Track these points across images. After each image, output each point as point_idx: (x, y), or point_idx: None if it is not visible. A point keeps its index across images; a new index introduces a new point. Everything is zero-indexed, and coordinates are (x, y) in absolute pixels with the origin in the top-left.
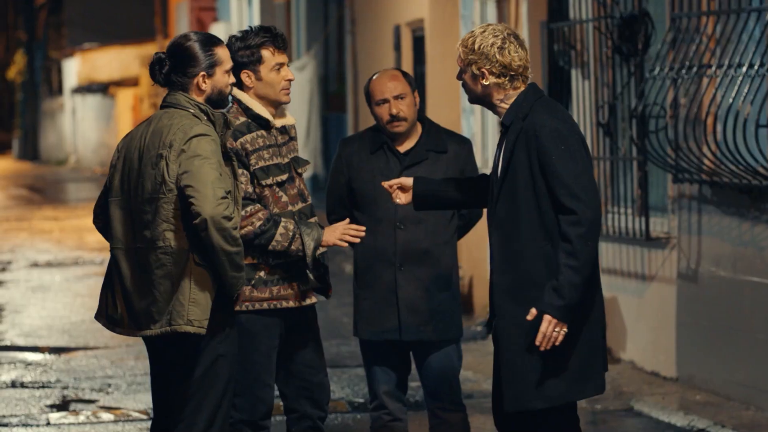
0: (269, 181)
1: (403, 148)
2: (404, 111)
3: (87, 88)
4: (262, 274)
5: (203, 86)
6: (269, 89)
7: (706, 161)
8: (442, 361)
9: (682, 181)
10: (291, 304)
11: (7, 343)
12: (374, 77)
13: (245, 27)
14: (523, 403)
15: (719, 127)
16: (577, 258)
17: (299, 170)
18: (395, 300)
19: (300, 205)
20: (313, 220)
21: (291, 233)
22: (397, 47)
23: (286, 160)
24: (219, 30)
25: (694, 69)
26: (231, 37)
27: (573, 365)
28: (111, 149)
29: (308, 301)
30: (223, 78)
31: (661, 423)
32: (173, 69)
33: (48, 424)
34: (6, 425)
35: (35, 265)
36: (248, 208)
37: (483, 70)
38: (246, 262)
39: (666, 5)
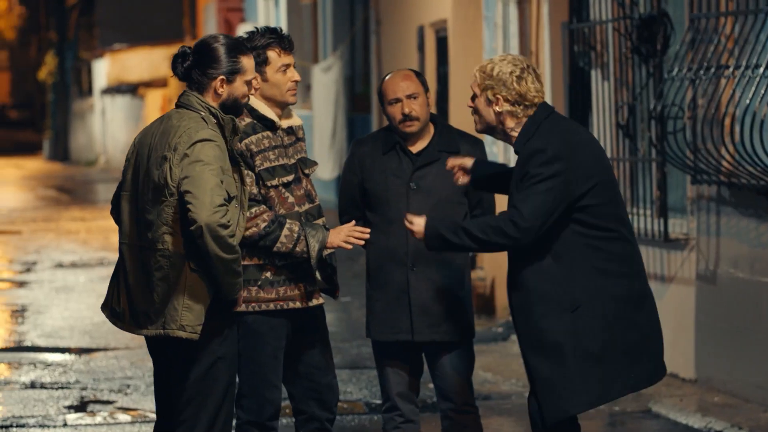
0: (275, 182)
1: (415, 149)
2: (417, 111)
3: (116, 89)
4: (268, 274)
5: (220, 90)
6: (275, 90)
7: (724, 162)
8: (454, 363)
9: (700, 182)
10: (297, 304)
11: (29, 343)
12: (387, 77)
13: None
14: (560, 413)
15: (737, 128)
16: (487, 234)
17: (306, 171)
18: (407, 301)
19: (307, 206)
20: (320, 221)
21: (296, 235)
22: (421, 48)
23: (293, 161)
24: (246, 31)
25: (712, 70)
26: (238, 38)
27: (596, 372)
28: None
29: (315, 302)
30: (242, 87)
31: (679, 425)
32: (195, 65)
33: (65, 425)
34: (23, 426)
35: (60, 265)
36: (253, 210)
37: (498, 96)
38: (252, 262)
39: (685, 6)
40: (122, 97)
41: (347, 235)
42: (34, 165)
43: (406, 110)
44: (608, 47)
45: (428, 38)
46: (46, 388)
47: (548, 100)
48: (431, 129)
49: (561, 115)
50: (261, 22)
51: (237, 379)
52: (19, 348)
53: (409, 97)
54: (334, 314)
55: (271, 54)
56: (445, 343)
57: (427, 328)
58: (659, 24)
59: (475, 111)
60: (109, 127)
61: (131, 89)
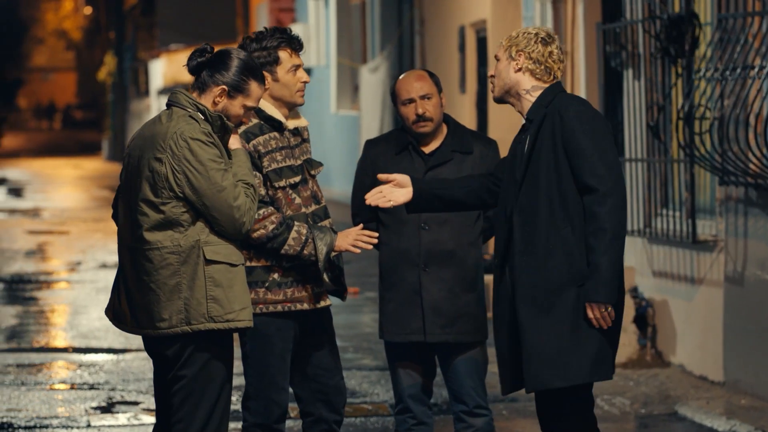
0: (282, 183)
1: (428, 149)
2: (430, 111)
3: (171, 89)
4: (276, 276)
5: (217, 100)
6: (285, 90)
7: (750, 165)
8: (466, 364)
9: (728, 184)
10: (305, 306)
11: (63, 344)
12: (401, 77)
13: (323, 28)
14: (543, 382)
15: (765, 129)
16: (605, 234)
17: (312, 172)
18: (419, 301)
19: (313, 207)
20: (326, 222)
21: (304, 237)
22: (462, 48)
23: (299, 161)
24: (297, 31)
25: (738, 70)
26: (245, 38)
27: (590, 348)
28: None
29: (323, 303)
30: (238, 109)
31: (704, 427)
32: (208, 65)
33: (88, 425)
34: (46, 426)
35: (104, 266)
36: (261, 211)
37: (521, 52)
38: (260, 264)
39: (713, 6)
40: None
41: (355, 239)
42: (92, 165)
43: (420, 111)
44: (639, 48)
45: (469, 38)
46: (74, 388)
47: None
48: (444, 129)
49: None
50: (311, 23)
51: (239, 381)
52: (53, 348)
53: (422, 97)
54: (370, 315)
55: (283, 54)
56: (457, 344)
57: (439, 328)
58: (687, 24)
59: (493, 78)
60: None
61: (186, 89)
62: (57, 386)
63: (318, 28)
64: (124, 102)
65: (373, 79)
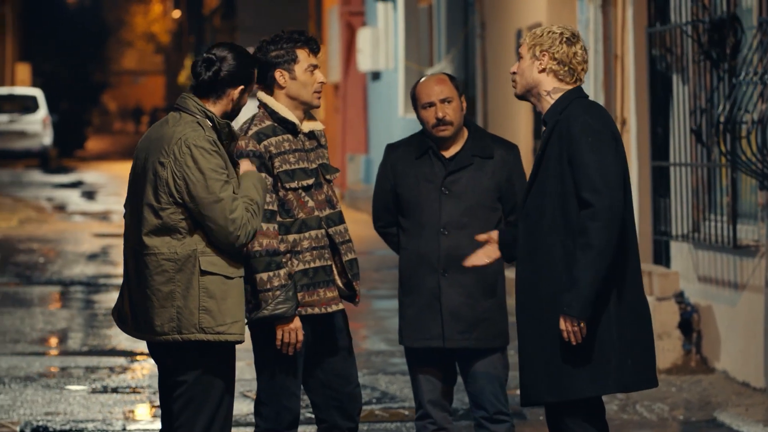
0: (294, 185)
1: (448, 153)
2: (450, 115)
3: None
4: None
5: (236, 99)
6: (302, 90)
7: None
8: (486, 370)
9: None
10: (316, 310)
11: (109, 347)
12: (421, 80)
13: (391, 32)
14: (535, 397)
15: None
16: (591, 250)
17: (328, 177)
18: (438, 307)
19: (328, 211)
20: (341, 227)
21: (276, 284)
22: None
23: (314, 165)
24: (366, 35)
25: None
26: (262, 41)
27: (583, 362)
28: None
29: (334, 308)
30: (245, 99)
31: None
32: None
33: (124, 429)
34: (81, 430)
35: None
36: (265, 227)
37: (545, 52)
38: None
39: (753, 9)
40: (252, 101)
41: (291, 335)
42: None
43: (440, 114)
44: (685, 51)
45: None
46: (115, 392)
47: (632, 104)
48: (465, 133)
49: (594, 102)
50: (380, 26)
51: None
52: (99, 352)
53: (442, 101)
54: None
55: (301, 53)
56: (477, 349)
57: (458, 334)
58: (729, 28)
59: (516, 75)
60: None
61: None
62: (98, 389)
63: (387, 32)
64: None
65: None
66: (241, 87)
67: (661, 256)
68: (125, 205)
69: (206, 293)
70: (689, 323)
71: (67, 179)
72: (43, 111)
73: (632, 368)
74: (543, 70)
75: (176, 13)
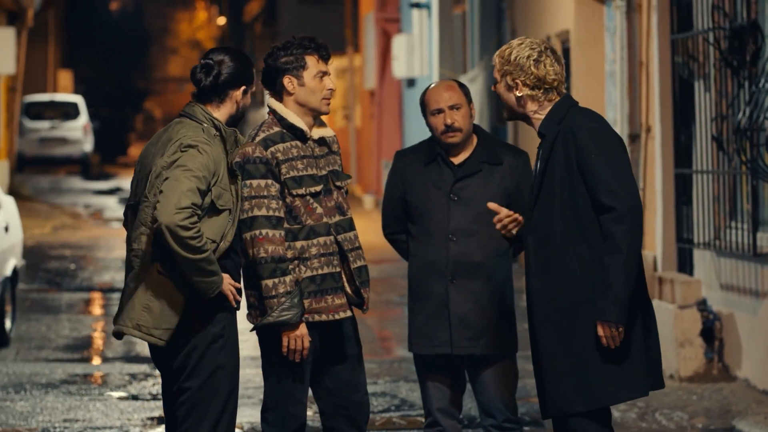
0: (301, 191)
1: (457, 160)
2: (459, 121)
3: None
4: None
5: (239, 101)
6: (311, 96)
7: None
8: (495, 377)
9: None
10: (324, 317)
11: (134, 354)
12: (430, 87)
13: (426, 38)
14: (564, 407)
15: None
16: (621, 254)
17: (338, 183)
18: (447, 313)
19: (337, 218)
20: (351, 234)
21: (281, 291)
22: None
23: (323, 172)
24: (401, 42)
25: None
26: (273, 47)
27: (613, 369)
28: None
29: (342, 315)
30: (247, 98)
31: None
32: (229, 77)
33: None
34: None
35: None
36: (271, 234)
37: (517, 81)
38: None
39: None
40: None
41: (296, 342)
42: None
43: (449, 121)
44: (707, 58)
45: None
46: (135, 399)
47: (656, 111)
48: (474, 140)
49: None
50: (415, 33)
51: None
52: (121, 358)
53: (451, 107)
54: None
55: (310, 59)
56: (486, 356)
57: (466, 341)
58: (749, 35)
59: (500, 96)
60: None
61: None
62: (118, 396)
63: (421, 39)
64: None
65: (471, 89)
66: (243, 87)
67: (685, 264)
68: (125, 213)
69: (154, 294)
70: (711, 331)
71: (107, 186)
72: (84, 118)
73: (655, 369)
74: (521, 97)
75: (221, 20)
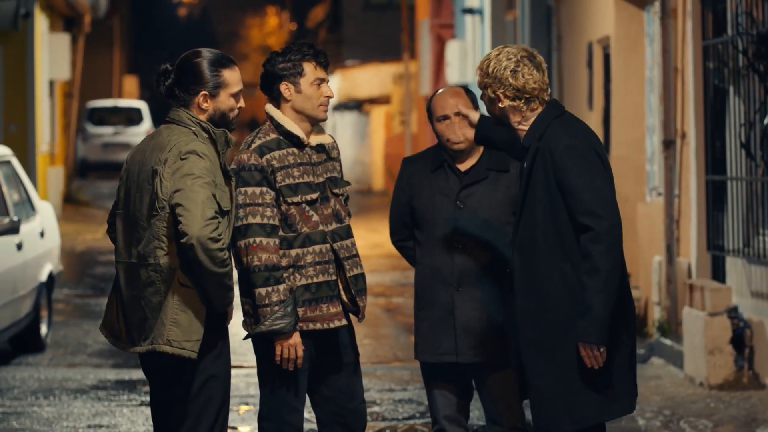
0: (297, 199)
1: (463, 167)
2: (458, 134)
3: (344, 105)
4: None
5: (204, 105)
6: (307, 103)
7: None
8: (501, 385)
9: None
10: (318, 326)
11: None
12: (437, 93)
13: (479, 44)
14: (551, 428)
15: None
16: (599, 274)
17: (336, 191)
18: (452, 321)
19: (334, 226)
20: (348, 242)
21: (275, 299)
22: (589, 64)
23: (321, 179)
24: (455, 48)
25: None
26: (272, 53)
27: (600, 387)
28: (366, 167)
29: (337, 324)
30: (227, 101)
31: None
32: (177, 83)
33: None
34: None
35: None
36: (264, 242)
37: (498, 93)
38: None
39: None
40: (350, 114)
41: (290, 350)
42: None
43: (449, 135)
44: (738, 64)
45: (596, 55)
46: None
47: (691, 117)
48: (480, 147)
49: (573, 115)
50: (468, 39)
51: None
52: None
53: (457, 114)
54: None
55: (307, 66)
56: (492, 364)
57: (471, 349)
58: None
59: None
60: (339, 142)
61: (357, 105)
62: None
63: (474, 45)
64: None
65: None
66: (203, 92)
67: (719, 271)
68: (109, 221)
69: (180, 307)
70: (741, 339)
71: None
72: (147, 123)
73: (636, 386)
74: (503, 108)
75: (292, 26)
